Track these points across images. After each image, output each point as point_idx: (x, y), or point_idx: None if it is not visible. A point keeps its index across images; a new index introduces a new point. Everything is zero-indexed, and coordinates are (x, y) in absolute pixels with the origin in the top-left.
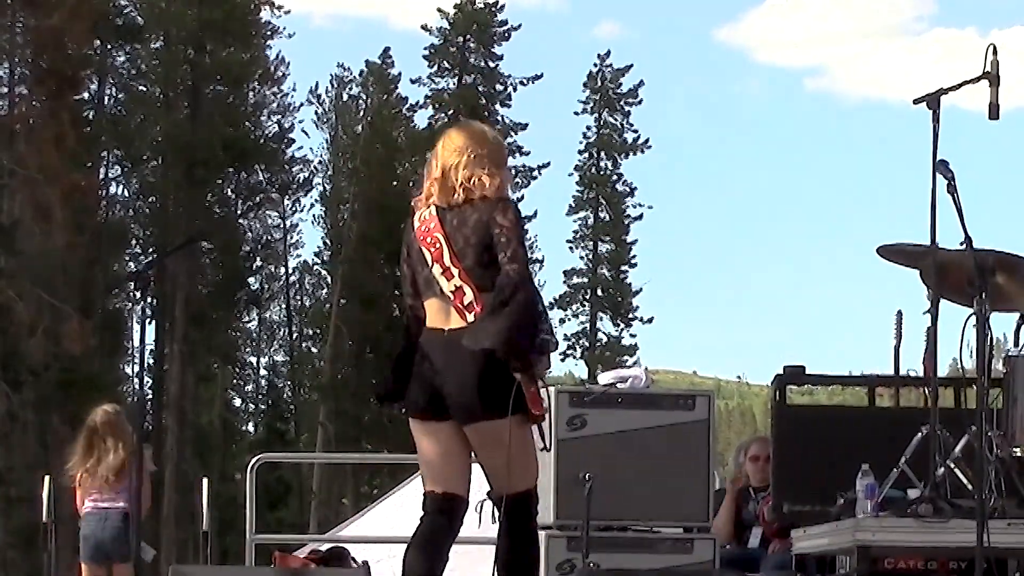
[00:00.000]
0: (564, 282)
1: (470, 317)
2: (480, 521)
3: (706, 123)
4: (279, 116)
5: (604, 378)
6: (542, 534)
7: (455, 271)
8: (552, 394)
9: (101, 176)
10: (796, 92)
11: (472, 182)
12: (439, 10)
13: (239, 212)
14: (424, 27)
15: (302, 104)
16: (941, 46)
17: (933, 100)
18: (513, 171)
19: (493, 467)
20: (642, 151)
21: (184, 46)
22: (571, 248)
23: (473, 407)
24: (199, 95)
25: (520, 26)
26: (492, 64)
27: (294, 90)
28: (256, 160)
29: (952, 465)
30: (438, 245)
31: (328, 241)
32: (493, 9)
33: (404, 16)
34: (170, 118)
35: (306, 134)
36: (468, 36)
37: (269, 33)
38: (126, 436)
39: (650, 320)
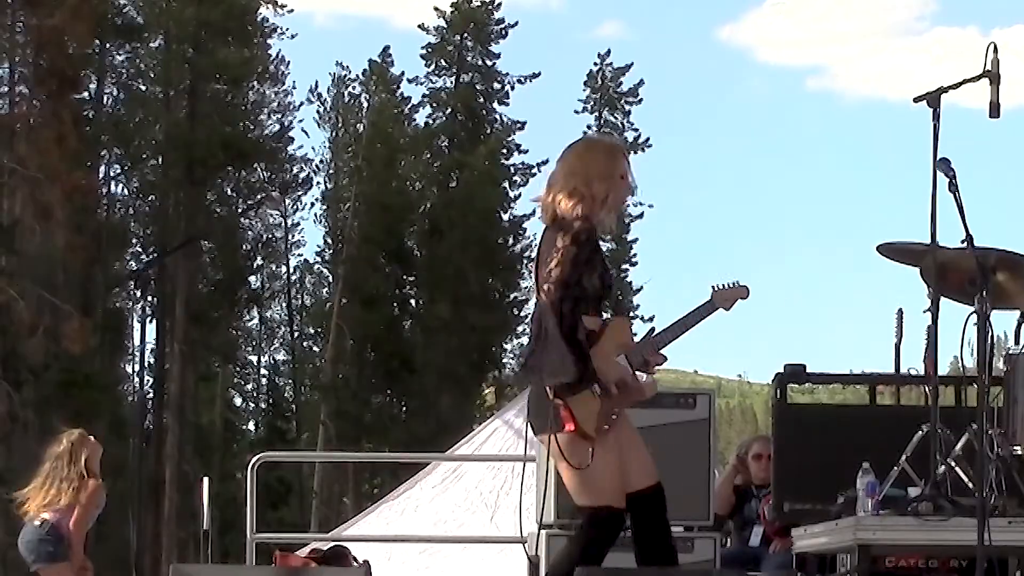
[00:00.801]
0: None
1: None
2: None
3: (707, 122)
4: (280, 115)
5: None
6: (542, 533)
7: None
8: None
9: (101, 175)
10: (798, 91)
11: (554, 203)
12: (436, 8)
13: (239, 211)
14: (421, 26)
15: (303, 103)
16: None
17: (933, 98)
18: (512, 169)
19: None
20: (642, 150)
21: (184, 45)
22: None
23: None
24: (198, 94)
25: (517, 24)
26: (490, 63)
27: (294, 88)
28: (255, 159)
29: (953, 463)
30: (533, 264)
31: (329, 240)
32: (490, 8)
33: (406, 15)
34: (170, 117)
35: (306, 133)
36: (465, 34)
37: (269, 32)
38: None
39: (651, 319)
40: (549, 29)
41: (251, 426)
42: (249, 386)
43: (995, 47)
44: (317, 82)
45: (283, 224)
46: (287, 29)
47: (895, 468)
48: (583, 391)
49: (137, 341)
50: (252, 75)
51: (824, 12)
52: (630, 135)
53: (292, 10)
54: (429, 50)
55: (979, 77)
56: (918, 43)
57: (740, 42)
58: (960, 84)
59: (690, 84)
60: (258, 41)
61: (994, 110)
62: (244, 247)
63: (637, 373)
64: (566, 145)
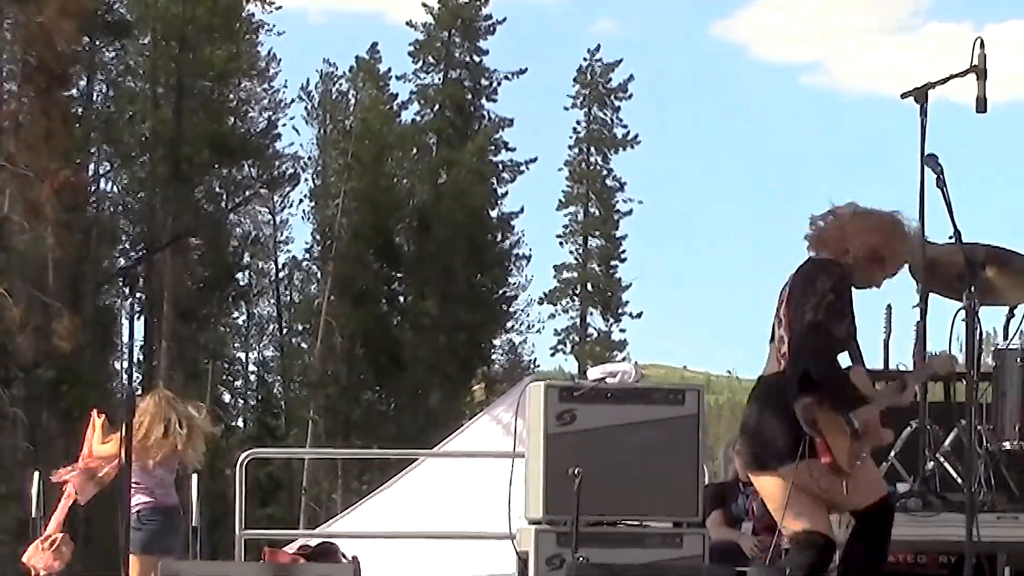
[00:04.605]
0: (554, 277)
1: None
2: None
3: (699, 119)
4: (271, 112)
5: (594, 373)
6: (531, 529)
7: None
8: (543, 390)
9: (91, 172)
10: (792, 88)
11: None
12: (424, 5)
13: (228, 208)
14: (409, 23)
15: (293, 100)
16: (936, 41)
17: (921, 94)
18: (500, 166)
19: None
20: (632, 146)
21: (171, 42)
22: (561, 243)
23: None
24: (185, 91)
25: (505, 20)
26: (477, 59)
27: (286, 86)
28: (243, 156)
29: (942, 459)
30: None
31: (318, 237)
32: (478, 4)
33: (398, 11)
34: (158, 114)
35: (296, 131)
36: (453, 31)
37: (255, 29)
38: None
39: (640, 315)
40: (539, 26)
41: (240, 423)
42: (238, 383)
43: (982, 42)
44: (309, 79)
45: (272, 221)
46: (274, 26)
47: (884, 464)
48: (837, 422)
49: (126, 338)
50: (238, 72)
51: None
52: (619, 131)
53: (280, 7)
54: (417, 47)
55: (966, 72)
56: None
57: (734, 39)
58: (947, 79)
59: (682, 81)
60: (246, 38)
61: (981, 105)
62: (232, 244)
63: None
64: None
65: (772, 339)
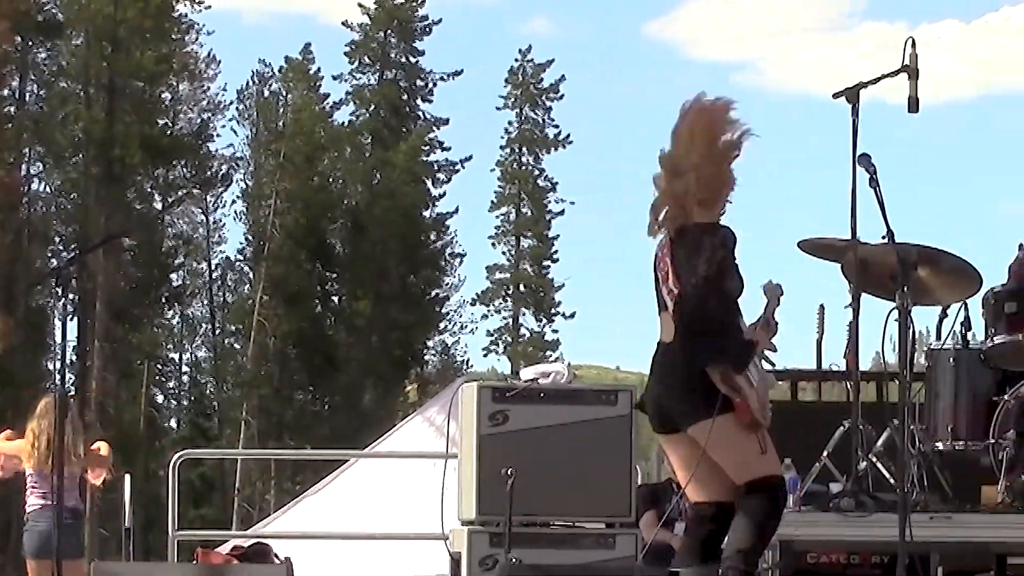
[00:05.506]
0: (487, 278)
1: None
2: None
3: (631, 118)
4: (209, 113)
5: (526, 373)
6: (464, 530)
7: None
8: (476, 391)
9: (23, 173)
10: (722, 87)
11: None
12: (360, 5)
13: (161, 208)
14: (345, 23)
15: (232, 101)
16: (871, 40)
17: (852, 94)
18: (435, 166)
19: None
20: (563, 146)
21: (103, 43)
22: (493, 244)
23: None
24: (117, 92)
25: (441, 21)
26: (413, 59)
27: (224, 89)
28: (175, 157)
29: (874, 459)
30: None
31: (251, 237)
32: (414, 4)
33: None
34: (90, 115)
35: (235, 132)
36: (389, 32)
37: (186, 29)
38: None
39: (572, 315)
40: (475, 26)
41: (173, 423)
42: (171, 383)
43: (913, 42)
44: (247, 81)
45: (205, 221)
46: (204, 25)
47: (817, 464)
48: (745, 378)
49: (59, 339)
50: (169, 73)
51: (753, 7)
52: (551, 131)
53: (210, 6)
54: (353, 47)
55: (898, 72)
56: (846, 38)
57: (668, 37)
58: (879, 79)
59: (615, 80)
60: (175, 38)
61: (913, 105)
62: (165, 244)
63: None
64: None
65: (663, 309)
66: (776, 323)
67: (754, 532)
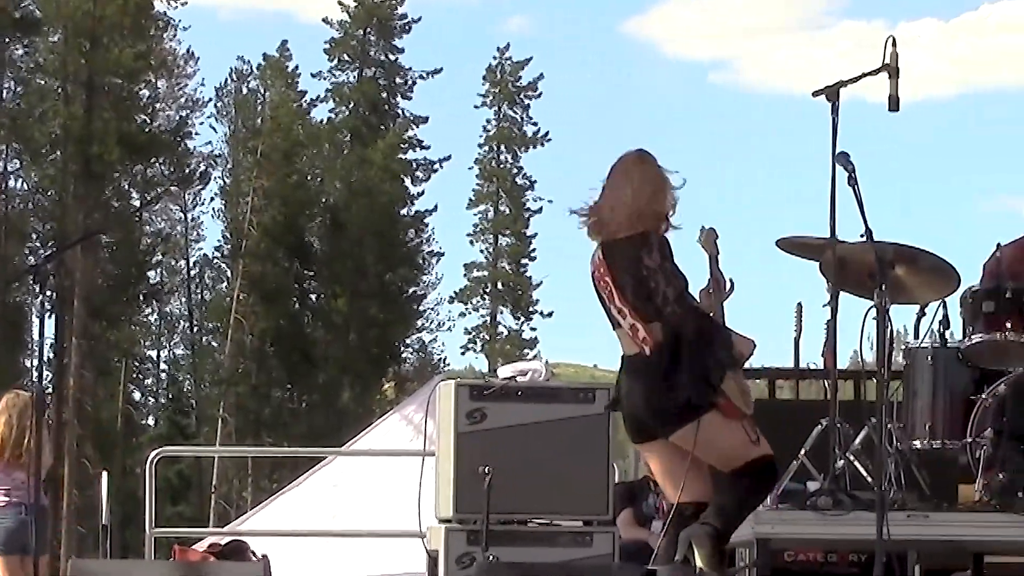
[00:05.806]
0: (464, 275)
1: None
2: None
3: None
4: (187, 110)
5: (504, 371)
6: (441, 527)
7: None
8: (453, 389)
9: (0, 170)
10: (700, 85)
11: None
12: (340, 3)
13: (139, 205)
14: (325, 20)
15: (211, 99)
16: (849, 39)
17: (832, 92)
18: (414, 164)
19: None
20: (542, 144)
21: (81, 39)
22: (471, 242)
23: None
24: (95, 88)
25: (420, 19)
26: (393, 57)
27: (203, 85)
28: (153, 154)
29: (852, 458)
30: None
31: (228, 235)
32: (393, 2)
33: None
34: (68, 112)
35: (214, 129)
36: (368, 29)
37: (164, 26)
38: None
39: (550, 314)
40: (454, 24)
41: (151, 421)
42: (149, 381)
43: (894, 40)
44: (226, 78)
45: (183, 219)
46: (180, 21)
47: (794, 462)
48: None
49: (36, 336)
50: (147, 70)
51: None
52: (529, 129)
53: (187, 3)
54: (333, 44)
55: (878, 71)
56: (825, 37)
57: (646, 35)
58: (859, 78)
59: (593, 78)
60: (154, 35)
61: (893, 103)
62: (143, 242)
63: None
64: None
65: (616, 326)
66: (726, 280)
67: (735, 502)
